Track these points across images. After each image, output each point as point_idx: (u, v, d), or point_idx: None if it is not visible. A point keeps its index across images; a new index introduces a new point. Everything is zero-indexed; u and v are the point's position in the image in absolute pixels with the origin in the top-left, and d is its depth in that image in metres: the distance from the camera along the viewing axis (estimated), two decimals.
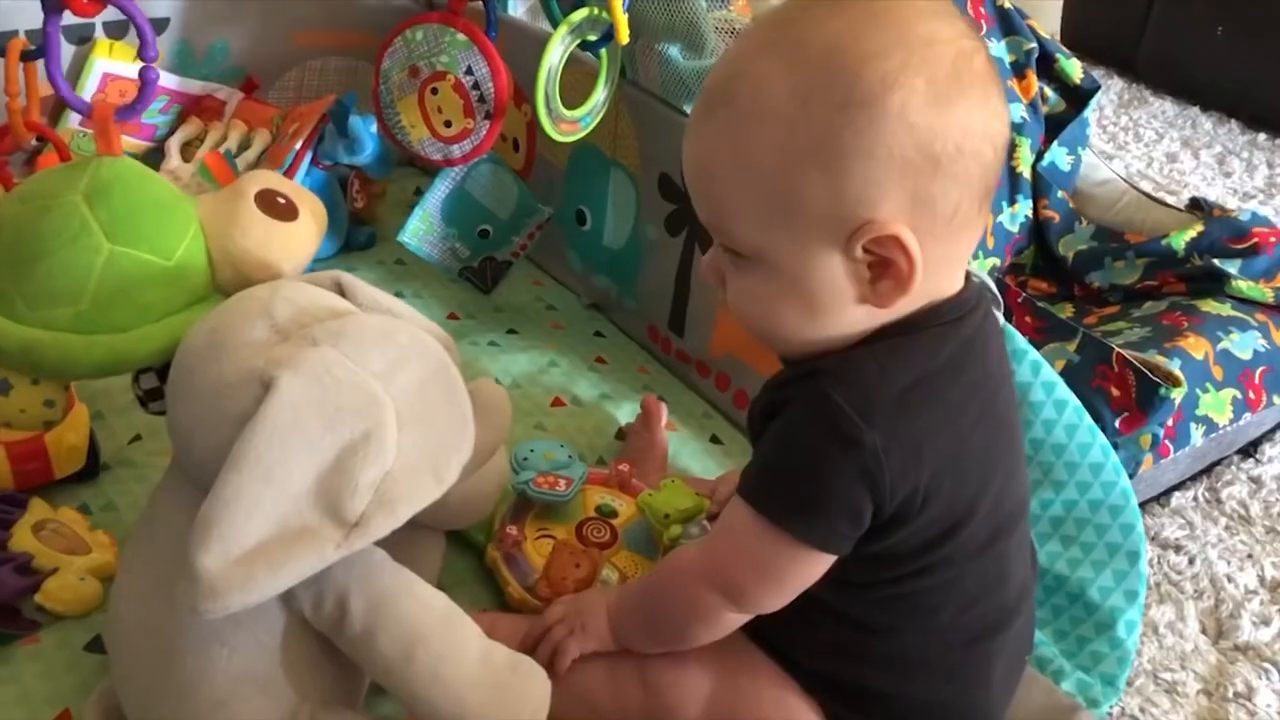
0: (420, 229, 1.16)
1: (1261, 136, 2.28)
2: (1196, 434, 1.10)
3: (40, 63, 0.94)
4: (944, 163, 0.58)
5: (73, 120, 1.19)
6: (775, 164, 0.60)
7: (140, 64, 0.76)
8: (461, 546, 0.88)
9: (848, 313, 0.63)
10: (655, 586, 0.72)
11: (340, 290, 0.68)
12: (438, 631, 0.62)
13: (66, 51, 1.18)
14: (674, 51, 1.09)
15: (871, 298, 0.62)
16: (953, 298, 0.65)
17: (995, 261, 1.41)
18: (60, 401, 0.72)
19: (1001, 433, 0.68)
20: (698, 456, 1.05)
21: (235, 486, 0.56)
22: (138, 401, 0.74)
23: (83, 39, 1.20)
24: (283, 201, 0.73)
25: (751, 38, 0.64)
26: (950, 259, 0.63)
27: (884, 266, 0.60)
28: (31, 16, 1.12)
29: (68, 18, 0.77)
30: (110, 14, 0.78)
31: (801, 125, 0.59)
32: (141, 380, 0.73)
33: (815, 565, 0.64)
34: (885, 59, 0.57)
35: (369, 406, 0.59)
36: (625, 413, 1.08)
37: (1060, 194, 1.49)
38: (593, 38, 1.04)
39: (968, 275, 0.67)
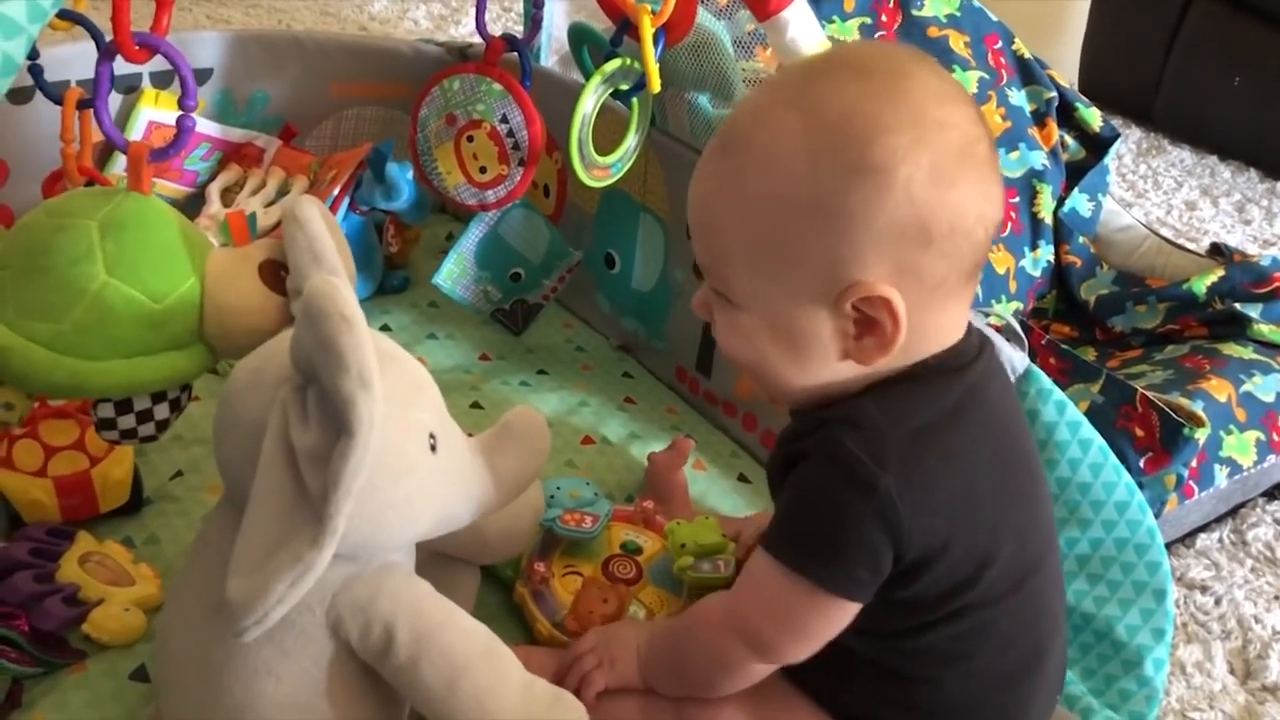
0: (454, 272, 1.19)
1: None
2: (1221, 475, 1.11)
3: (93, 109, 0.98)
4: (936, 239, 0.61)
5: (119, 166, 1.22)
6: (776, 214, 0.62)
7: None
8: (491, 583, 0.89)
9: (831, 366, 0.65)
10: (683, 634, 0.73)
11: None
12: (481, 663, 0.63)
13: (114, 100, 1.22)
14: (703, 100, 1.12)
15: (855, 354, 0.64)
16: (952, 348, 0.66)
17: (1018, 305, 1.43)
18: (20, 408, 0.73)
19: (1017, 473, 0.69)
20: (726, 495, 1.06)
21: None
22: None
23: (130, 88, 1.24)
24: (284, 275, 0.74)
25: (775, 89, 0.66)
26: (935, 326, 0.65)
27: (869, 325, 0.62)
28: (84, 67, 1.17)
29: (120, 67, 0.80)
30: (157, 64, 0.80)
31: (808, 182, 0.61)
32: (99, 408, 0.74)
33: (837, 613, 0.64)
34: (898, 134, 0.60)
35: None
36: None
37: (1082, 239, 1.50)
38: (625, 87, 1.07)
39: (968, 326, 0.69)
